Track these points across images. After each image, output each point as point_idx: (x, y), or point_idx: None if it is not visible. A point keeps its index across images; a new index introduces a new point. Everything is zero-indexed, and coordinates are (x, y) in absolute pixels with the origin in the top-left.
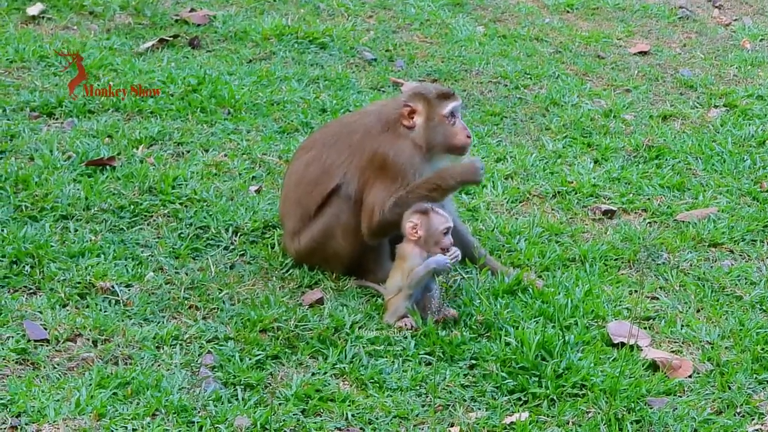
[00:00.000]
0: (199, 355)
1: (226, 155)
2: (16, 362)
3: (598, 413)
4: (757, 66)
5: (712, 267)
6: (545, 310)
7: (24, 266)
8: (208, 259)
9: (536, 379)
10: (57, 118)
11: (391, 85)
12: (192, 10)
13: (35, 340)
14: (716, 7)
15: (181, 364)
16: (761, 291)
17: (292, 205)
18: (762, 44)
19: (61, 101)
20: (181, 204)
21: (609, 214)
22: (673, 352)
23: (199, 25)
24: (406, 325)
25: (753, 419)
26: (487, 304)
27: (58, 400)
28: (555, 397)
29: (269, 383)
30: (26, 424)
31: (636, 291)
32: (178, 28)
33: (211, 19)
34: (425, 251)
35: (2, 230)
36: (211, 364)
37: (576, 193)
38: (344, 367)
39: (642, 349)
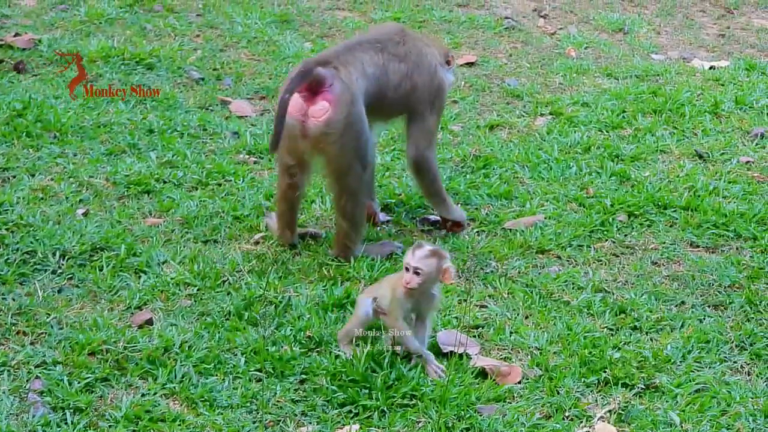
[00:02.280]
0: (27, 381)
1: (52, 179)
2: None
3: (429, 422)
4: (582, 74)
5: (539, 273)
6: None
7: None
8: (35, 283)
9: (366, 391)
10: None
11: (219, 103)
12: (17, 34)
13: None
14: (542, 16)
15: (9, 390)
16: (588, 295)
17: None
18: (587, 52)
19: None
20: (7, 230)
21: (437, 224)
22: (502, 359)
23: (24, 49)
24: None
25: (581, 422)
26: (316, 318)
27: None
28: (385, 408)
29: (98, 406)
30: None
31: (465, 300)
32: (3, 53)
33: (36, 43)
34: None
35: None
36: (40, 389)
37: (404, 206)
38: (174, 387)
39: (471, 358)
